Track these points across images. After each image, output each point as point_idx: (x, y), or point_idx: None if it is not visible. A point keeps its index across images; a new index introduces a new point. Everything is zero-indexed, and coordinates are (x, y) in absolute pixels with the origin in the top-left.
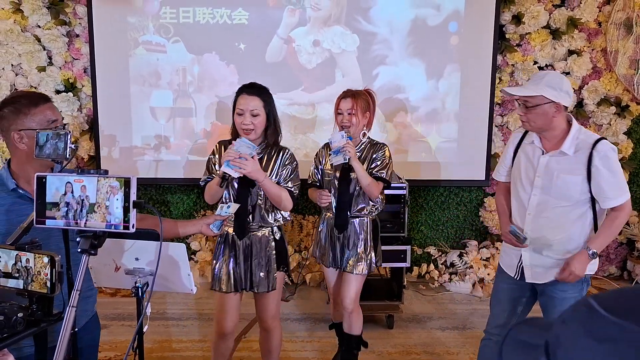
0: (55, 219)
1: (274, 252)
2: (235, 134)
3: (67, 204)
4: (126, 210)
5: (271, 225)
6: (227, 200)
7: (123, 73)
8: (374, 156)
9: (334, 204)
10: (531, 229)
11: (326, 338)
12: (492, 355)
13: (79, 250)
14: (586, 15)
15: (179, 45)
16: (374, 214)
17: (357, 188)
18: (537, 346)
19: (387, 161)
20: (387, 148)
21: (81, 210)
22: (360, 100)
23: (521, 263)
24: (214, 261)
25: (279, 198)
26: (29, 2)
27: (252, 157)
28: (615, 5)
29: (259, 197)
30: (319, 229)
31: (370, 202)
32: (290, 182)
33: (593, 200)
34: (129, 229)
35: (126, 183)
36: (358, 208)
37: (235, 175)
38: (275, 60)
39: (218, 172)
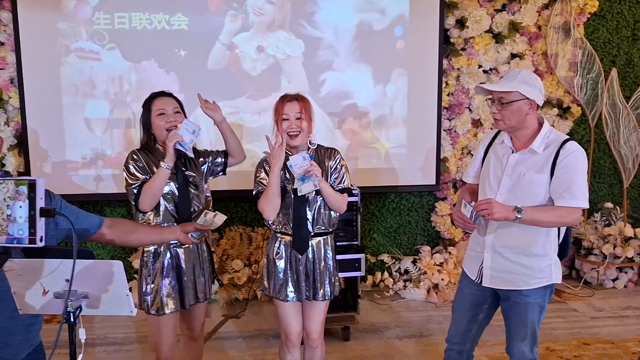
0: None
1: (208, 257)
2: (146, 144)
3: None
4: (32, 220)
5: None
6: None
7: (54, 83)
8: (329, 164)
9: (290, 223)
10: (494, 230)
11: None
12: None
13: None
14: (526, 19)
15: (115, 53)
16: (331, 229)
17: (317, 203)
18: None
19: (345, 168)
20: (339, 153)
21: None
22: (307, 103)
23: (482, 266)
24: (148, 283)
25: None
26: None
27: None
28: (554, 10)
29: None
30: (273, 256)
31: (330, 215)
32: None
33: None
34: (35, 243)
35: (31, 187)
36: (319, 224)
37: (188, 147)
38: (218, 67)
39: (162, 164)
